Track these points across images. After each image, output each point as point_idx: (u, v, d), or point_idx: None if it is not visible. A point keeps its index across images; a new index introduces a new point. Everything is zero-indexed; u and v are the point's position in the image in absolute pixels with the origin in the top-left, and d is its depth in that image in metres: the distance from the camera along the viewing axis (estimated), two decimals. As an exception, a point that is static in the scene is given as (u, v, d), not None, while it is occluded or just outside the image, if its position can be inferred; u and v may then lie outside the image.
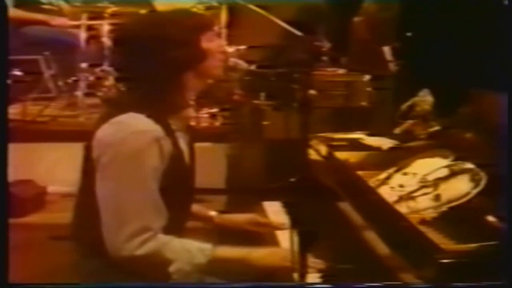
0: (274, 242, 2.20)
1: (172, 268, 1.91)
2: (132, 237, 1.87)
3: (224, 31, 4.30)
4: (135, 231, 1.87)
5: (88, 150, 1.97)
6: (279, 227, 2.23)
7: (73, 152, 2.12)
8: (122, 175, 1.89)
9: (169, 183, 1.93)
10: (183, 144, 2.03)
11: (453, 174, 1.94)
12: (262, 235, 2.30)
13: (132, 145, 1.88)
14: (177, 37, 1.95)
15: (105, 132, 1.93)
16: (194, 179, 2.12)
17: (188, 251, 1.93)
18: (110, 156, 1.90)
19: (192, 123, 2.19)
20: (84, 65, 4.65)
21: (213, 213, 2.35)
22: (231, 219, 2.35)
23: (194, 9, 4.17)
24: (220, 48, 2.06)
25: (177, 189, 1.97)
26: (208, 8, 4.43)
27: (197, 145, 2.16)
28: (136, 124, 1.90)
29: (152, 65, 1.95)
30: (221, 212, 2.38)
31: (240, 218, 2.35)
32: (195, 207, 2.30)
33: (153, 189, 1.90)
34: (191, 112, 2.12)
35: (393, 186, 2.03)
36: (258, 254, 1.98)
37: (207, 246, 1.96)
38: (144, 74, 1.97)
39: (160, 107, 1.95)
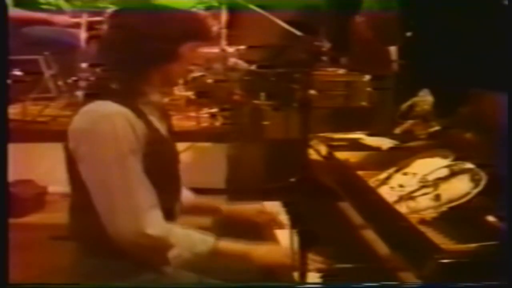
0: (274, 241, 2.20)
1: (171, 254, 1.92)
2: (134, 217, 1.87)
3: (224, 31, 4.31)
4: (133, 211, 1.88)
5: (66, 147, 1.98)
6: (284, 221, 2.24)
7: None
8: (101, 159, 1.89)
9: (151, 165, 1.93)
10: (159, 125, 2.03)
11: (453, 174, 1.94)
12: (262, 234, 2.30)
13: (103, 127, 1.89)
14: (157, 32, 1.96)
15: (76, 123, 1.95)
16: (178, 165, 2.11)
17: (190, 239, 1.94)
18: (85, 143, 1.91)
19: (167, 113, 2.17)
20: (84, 65, 4.65)
21: (220, 204, 2.36)
22: (238, 209, 2.36)
23: (194, 10, 4.17)
24: (196, 61, 2.06)
25: (161, 172, 1.97)
26: (208, 7, 4.43)
27: (197, 145, 2.16)
28: (105, 109, 1.92)
29: (122, 53, 1.96)
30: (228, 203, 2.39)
31: (247, 208, 2.36)
32: (202, 199, 2.32)
33: (135, 167, 1.90)
34: (159, 96, 2.09)
35: (393, 186, 2.03)
36: (260, 250, 1.98)
37: (210, 238, 1.97)
38: (112, 63, 1.99)
39: (126, 95, 1.95)
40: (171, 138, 2.10)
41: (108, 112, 1.91)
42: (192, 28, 2.04)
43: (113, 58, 1.99)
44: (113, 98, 1.93)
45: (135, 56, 1.96)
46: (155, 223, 1.90)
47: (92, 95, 2.00)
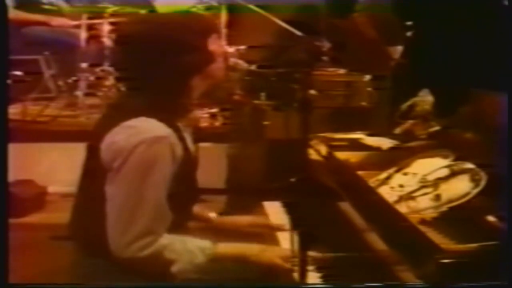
0: (274, 241, 2.20)
1: (174, 269, 1.93)
2: (136, 240, 1.88)
3: (224, 31, 4.30)
4: (139, 234, 1.89)
5: (94, 151, 1.96)
6: (280, 228, 2.24)
7: (73, 152, 2.12)
8: (134, 179, 1.89)
9: (178, 185, 1.95)
10: (190, 144, 2.05)
11: (453, 174, 1.94)
12: (262, 235, 2.30)
13: (146, 151, 1.88)
14: (186, 41, 1.96)
15: (117, 136, 1.92)
16: (197, 179, 2.13)
17: (189, 251, 1.95)
18: (123, 160, 1.89)
19: (196, 123, 2.21)
20: (84, 65, 4.65)
21: (212, 214, 2.34)
22: (230, 221, 2.36)
23: (194, 9, 4.16)
24: (223, 50, 2.08)
25: (184, 190, 1.99)
26: (208, 8, 4.43)
27: (197, 145, 2.16)
28: (150, 129, 1.90)
29: (160, 69, 1.95)
30: (221, 213, 2.38)
31: (240, 220, 2.35)
32: (195, 208, 2.31)
33: (162, 194, 1.92)
34: (196, 112, 2.14)
35: (393, 186, 2.03)
36: (256, 250, 2.00)
37: (207, 245, 1.98)
38: (152, 78, 1.96)
39: (169, 110, 1.96)
40: (197, 153, 2.11)
41: (153, 135, 1.89)
42: (203, 24, 2.08)
43: (150, 73, 1.97)
44: (157, 115, 1.91)
45: (173, 67, 1.95)
46: (147, 247, 1.89)
47: (131, 108, 1.98)
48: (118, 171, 1.90)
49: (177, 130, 1.95)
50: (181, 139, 1.96)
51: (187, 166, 1.99)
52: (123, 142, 1.90)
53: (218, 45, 2.05)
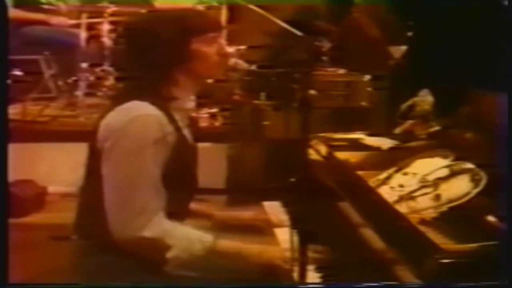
0: (273, 241, 2.20)
1: (169, 255, 1.94)
2: (133, 217, 1.91)
3: (224, 31, 4.30)
4: (136, 210, 1.91)
5: (92, 145, 1.99)
6: (280, 224, 2.25)
7: (73, 152, 2.13)
8: (123, 156, 1.93)
9: (172, 169, 1.97)
10: (187, 134, 2.07)
11: (453, 174, 1.94)
12: (261, 235, 2.30)
13: (136, 127, 1.93)
14: (165, 35, 1.99)
15: (110, 118, 1.98)
16: (197, 169, 2.15)
17: (188, 239, 1.97)
18: (115, 138, 1.94)
19: (194, 120, 2.24)
20: (84, 65, 4.65)
21: (214, 210, 2.36)
22: (233, 215, 2.38)
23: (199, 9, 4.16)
24: (219, 52, 2.08)
25: (181, 176, 2.01)
26: (208, 8, 4.43)
27: (197, 145, 2.17)
28: (141, 109, 1.96)
29: (145, 59, 2.01)
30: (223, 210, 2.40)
31: (242, 214, 2.37)
32: (197, 206, 2.32)
33: (155, 171, 1.94)
34: (192, 108, 2.16)
35: (393, 186, 2.03)
36: (255, 251, 2.01)
37: (208, 237, 1.99)
38: (140, 68, 2.03)
39: (159, 98, 1.99)
40: (195, 145, 2.14)
41: (143, 113, 1.95)
42: (196, 22, 2.08)
43: (137, 63, 2.04)
44: (149, 100, 1.97)
45: (154, 59, 2.00)
46: (153, 226, 1.92)
47: (125, 95, 2.03)
48: (111, 149, 1.94)
49: (169, 115, 1.98)
50: (174, 124, 1.99)
51: (183, 153, 2.01)
52: (116, 122, 1.96)
53: (210, 45, 2.05)
